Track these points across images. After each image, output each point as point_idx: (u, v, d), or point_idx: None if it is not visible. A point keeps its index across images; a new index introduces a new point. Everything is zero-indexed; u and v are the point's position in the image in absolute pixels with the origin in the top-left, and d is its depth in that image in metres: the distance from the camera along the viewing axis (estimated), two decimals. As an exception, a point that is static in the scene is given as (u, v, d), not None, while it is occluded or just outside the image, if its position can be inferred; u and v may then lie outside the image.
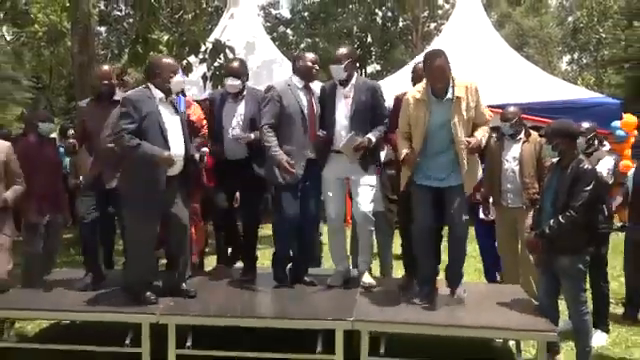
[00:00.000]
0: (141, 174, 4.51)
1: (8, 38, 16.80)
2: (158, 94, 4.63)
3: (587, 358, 4.44)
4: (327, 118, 4.95)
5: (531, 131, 5.77)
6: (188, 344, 4.45)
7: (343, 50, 5.00)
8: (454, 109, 4.42)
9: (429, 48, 11.96)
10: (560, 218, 4.26)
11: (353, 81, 4.94)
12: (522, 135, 5.66)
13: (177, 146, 4.65)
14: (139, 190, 4.53)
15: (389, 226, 5.98)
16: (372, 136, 4.85)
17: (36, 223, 5.64)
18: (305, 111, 4.96)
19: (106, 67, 5.16)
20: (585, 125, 5.32)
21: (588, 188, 4.26)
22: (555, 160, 4.57)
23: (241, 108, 5.26)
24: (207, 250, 6.95)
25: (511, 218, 5.67)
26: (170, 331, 4.43)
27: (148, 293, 4.63)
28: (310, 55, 5.16)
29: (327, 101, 4.97)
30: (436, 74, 4.42)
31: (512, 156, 5.60)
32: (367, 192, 4.97)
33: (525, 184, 5.55)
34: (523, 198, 5.56)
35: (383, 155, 5.59)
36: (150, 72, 4.73)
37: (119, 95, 4.99)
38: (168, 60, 4.86)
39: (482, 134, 4.52)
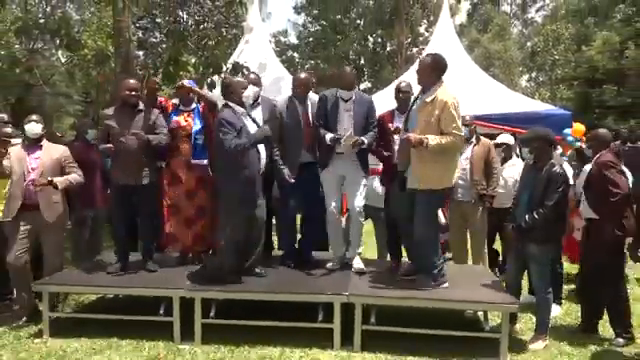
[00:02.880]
0: (241, 173, 4.43)
1: (63, 60, 16.77)
2: (239, 109, 4.58)
3: (546, 327, 4.48)
4: (332, 127, 4.85)
5: (481, 136, 5.76)
6: (211, 314, 4.45)
7: (352, 77, 4.94)
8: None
9: (412, 68, 11.95)
10: (535, 214, 4.25)
11: (354, 97, 4.91)
12: (473, 139, 5.64)
13: (262, 150, 4.64)
14: (238, 188, 4.43)
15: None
16: (365, 138, 4.81)
17: (84, 216, 5.62)
18: (301, 121, 4.96)
19: (134, 80, 5.05)
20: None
21: (560, 189, 4.25)
22: (530, 162, 4.52)
23: (257, 113, 5.22)
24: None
25: (461, 210, 5.64)
26: (196, 304, 4.44)
27: (230, 275, 4.58)
28: (300, 76, 5.15)
29: (330, 111, 4.87)
30: None
31: (465, 157, 5.55)
32: (360, 189, 4.94)
33: (474, 181, 5.52)
34: (472, 193, 5.53)
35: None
36: (226, 92, 4.62)
37: (142, 105, 4.93)
38: (237, 79, 4.86)
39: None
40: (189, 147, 4.99)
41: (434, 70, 4.32)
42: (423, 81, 4.38)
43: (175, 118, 5.04)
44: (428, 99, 4.25)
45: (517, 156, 6.28)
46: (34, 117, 4.99)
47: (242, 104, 4.61)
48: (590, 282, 4.69)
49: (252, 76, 5.49)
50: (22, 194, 4.81)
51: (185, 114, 5.07)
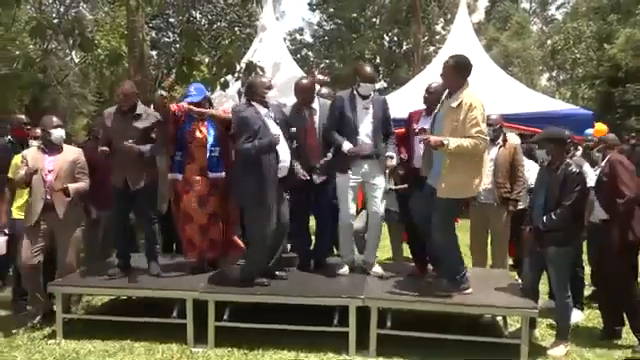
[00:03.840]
0: (262, 177, 4.43)
1: (76, 60, 16.97)
2: (262, 110, 4.59)
3: (567, 332, 4.43)
4: (348, 126, 4.78)
5: (508, 137, 5.67)
6: (225, 317, 4.47)
7: (372, 71, 4.92)
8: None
9: (428, 67, 11.93)
10: (552, 215, 4.21)
11: (372, 95, 4.89)
12: (500, 140, 5.59)
13: (284, 152, 4.60)
14: (261, 191, 4.43)
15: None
16: (393, 155, 4.90)
17: (98, 217, 5.65)
18: (307, 129, 4.96)
19: (128, 85, 4.97)
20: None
21: (577, 189, 4.20)
22: (545, 163, 4.48)
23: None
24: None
25: (483, 212, 5.57)
26: (210, 306, 4.46)
27: (259, 279, 4.60)
28: (302, 82, 5.07)
29: (347, 110, 4.81)
30: None
31: (489, 158, 5.46)
32: (380, 195, 4.91)
33: (498, 183, 5.46)
34: (495, 196, 5.49)
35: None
36: (249, 91, 4.65)
37: (140, 109, 4.91)
38: (262, 79, 4.82)
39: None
40: (203, 156, 4.87)
41: (458, 72, 4.27)
42: (448, 85, 4.35)
43: (189, 128, 4.91)
44: (454, 104, 4.20)
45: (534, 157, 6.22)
46: (56, 120, 5.00)
47: (265, 104, 4.62)
48: (603, 286, 4.64)
49: (264, 79, 5.47)
50: (43, 197, 4.87)
51: (199, 123, 4.92)
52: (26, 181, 4.82)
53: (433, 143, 4.13)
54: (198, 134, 4.90)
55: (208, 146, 4.86)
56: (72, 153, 5.08)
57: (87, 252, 5.78)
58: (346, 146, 4.75)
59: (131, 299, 5.43)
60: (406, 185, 5.14)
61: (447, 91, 4.38)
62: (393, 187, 5.45)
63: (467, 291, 4.40)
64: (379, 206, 4.92)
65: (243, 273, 4.67)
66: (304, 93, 5.01)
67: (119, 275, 4.90)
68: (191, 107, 4.81)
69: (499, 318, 4.85)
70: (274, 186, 4.50)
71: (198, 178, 4.88)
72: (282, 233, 4.74)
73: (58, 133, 4.97)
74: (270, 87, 4.66)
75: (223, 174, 4.91)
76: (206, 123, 4.91)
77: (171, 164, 4.99)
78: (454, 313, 4.50)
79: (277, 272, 4.80)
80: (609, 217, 4.52)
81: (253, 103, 4.59)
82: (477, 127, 4.12)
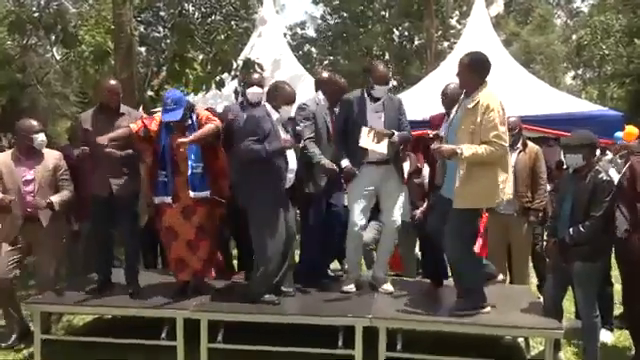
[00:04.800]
0: (270, 187, 4.49)
1: (58, 58, 17.06)
2: (274, 114, 4.61)
3: (595, 355, 4.39)
4: (357, 131, 4.72)
5: (528, 142, 5.66)
6: (219, 338, 4.45)
7: (387, 71, 4.91)
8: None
9: (443, 65, 11.94)
10: (581, 227, 4.17)
11: (385, 97, 4.87)
12: (519, 145, 5.56)
13: (292, 161, 4.63)
14: (268, 202, 4.49)
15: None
16: (396, 133, 4.74)
17: (78, 229, 5.65)
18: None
19: (114, 82, 4.99)
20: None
21: (608, 198, 4.18)
22: (571, 170, 4.42)
23: None
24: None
25: (502, 224, 5.54)
26: (202, 326, 4.44)
27: (268, 295, 4.58)
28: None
29: (356, 115, 4.79)
30: None
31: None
32: (397, 203, 4.90)
33: (518, 192, 5.39)
34: (515, 206, 5.47)
35: (407, 166, 5.54)
36: (270, 95, 4.69)
37: (124, 108, 4.92)
38: (289, 88, 4.69)
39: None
40: (187, 165, 4.66)
41: (474, 71, 4.27)
42: (464, 85, 4.34)
43: (168, 141, 4.67)
44: (470, 105, 4.19)
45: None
46: (37, 125, 4.99)
47: (277, 110, 4.64)
48: (628, 302, 4.62)
49: (256, 76, 5.51)
50: (22, 211, 4.88)
51: (178, 134, 4.65)
52: (4, 212, 4.82)
53: (446, 153, 4.12)
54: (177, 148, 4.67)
55: (190, 162, 4.66)
56: (53, 159, 5.08)
57: (68, 267, 5.78)
58: (344, 163, 4.77)
59: (116, 318, 5.42)
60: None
61: (464, 91, 4.38)
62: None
63: (485, 310, 4.39)
64: (395, 215, 4.90)
65: (252, 289, 4.65)
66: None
67: (102, 292, 4.88)
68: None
69: (520, 339, 4.83)
70: (284, 193, 4.55)
71: (182, 188, 4.69)
72: (290, 245, 4.76)
73: (41, 138, 4.98)
74: (292, 102, 4.69)
75: (207, 193, 4.74)
76: (187, 133, 4.65)
77: (155, 186, 4.76)
78: (471, 334, 4.47)
79: (284, 288, 4.80)
80: (630, 226, 4.47)
81: (267, 105, 4.64)
82: (494, 131, 4.10)
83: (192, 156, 4.67)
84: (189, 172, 4.66)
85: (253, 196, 4.52)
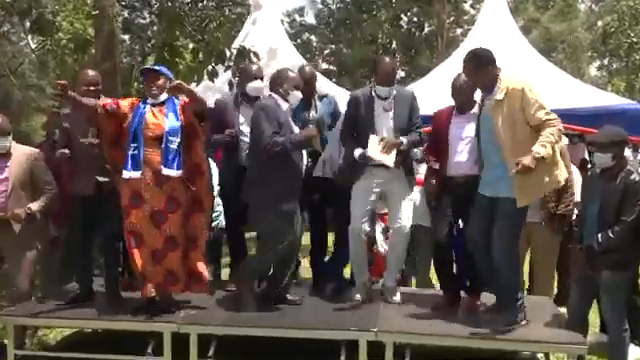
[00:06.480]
0: (291, 178, 4.62)
1: (33, 46, 17.06)
2: (284, 105, 4.69)
3: (622, 373, 4.38)
4: (364, 131, 4.79)
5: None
6: (210, 353, 4.46)
7: (391, 68, 4.91)
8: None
9: (455, 54, 11.93)
10: (610, 233, 4.16)
11: (394, 93, 4.88)
12: None
13: (304, 156, 4.78)
14: (282, 199, 4.58)
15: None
16: (404, 139, 4.78)
17: (56, 235, 5.62)
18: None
19: (92, 72, 5.01)
20: None
21: None
22: (598, 170, 4.42)
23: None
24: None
25: (526, 231, 5.43)
26: (192, 340, 4.44)
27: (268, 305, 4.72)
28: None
29: (364, 113, 4.84)
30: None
31: None
32: (405, 206, 4.92)
33: (545, 198, 5.40)
34: (541, 214, 5.46)
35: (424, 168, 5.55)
36: (273, 83, 4.77)
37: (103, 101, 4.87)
38: (292, 74, 4.82)
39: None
40: (158, 155, 4.54)
41: (480, 67, 4.33)
42: (482, 84, 4.41)
43: (142, 121, 4.61)
44: (499, 96, 4.24)
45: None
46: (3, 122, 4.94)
47: (286, 99, 4.71)
48: None
49: (254, 67, 5.50)
50: None
51: (155, 109, 4.66)
52: None
53: (532, 165, 4.02)
54: (152, 119, 4.61)
55: (165, 134, 4.55)
56: (26, 156, 5.01)
57: (44, 276, 5.77)
58: (357, 153, 4.81)
59: (97, 332, 5.43)
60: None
61: (482, 87, 4.42)
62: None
63: (522, 323, 4.40)
64: (404, 220, 4.91)
65: (245, 269, 4.87)
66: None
67: (82, 303, 4.88)
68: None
69: (540, 355, 4.83)
70: (295, 193, 4.65)
71: (151, 186, 4.55)
72: (293, 249, 4.84)
73: (2, 143, 4.91)
74: (299, 87, 4.77)
75: (179, 172, 4.57)
76: (165, 109, 4.66)
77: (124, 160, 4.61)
78: (486, 350, 4.47)
79: (289, 296, 4.85)
80: None
81: (274, 96, 4.70)
82: (542, 109, 4.19)
83: (169, 129, 4.59)
84: (163, 144, 4.54)
85: (269, 192, 4.56)
